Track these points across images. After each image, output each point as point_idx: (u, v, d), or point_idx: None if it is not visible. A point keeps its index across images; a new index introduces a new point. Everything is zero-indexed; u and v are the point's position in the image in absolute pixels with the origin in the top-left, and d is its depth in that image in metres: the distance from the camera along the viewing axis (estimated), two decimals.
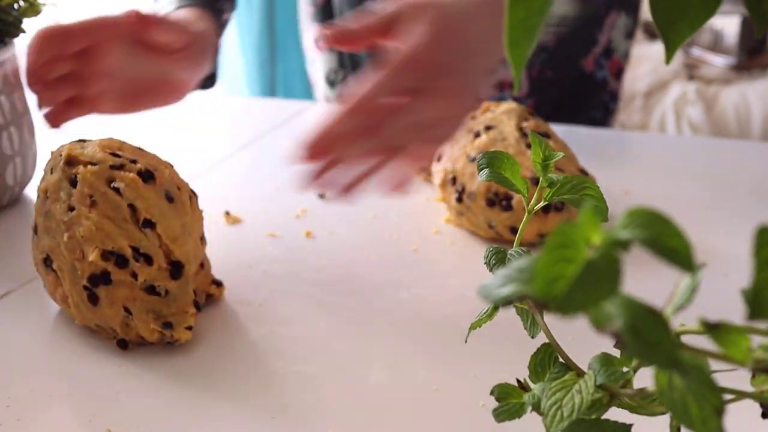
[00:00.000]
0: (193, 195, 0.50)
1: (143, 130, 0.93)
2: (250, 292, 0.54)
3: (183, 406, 0.42)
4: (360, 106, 0.51)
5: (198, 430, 0.40)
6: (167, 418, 0.41)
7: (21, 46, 0.67)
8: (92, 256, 0.44)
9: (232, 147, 0.85)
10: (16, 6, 0.64)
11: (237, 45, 1.91)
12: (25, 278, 0.56)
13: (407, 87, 0.53)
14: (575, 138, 0.86)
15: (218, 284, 0.53)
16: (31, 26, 0.65)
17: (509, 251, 0.36)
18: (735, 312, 0.25)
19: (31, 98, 0.71)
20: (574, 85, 0.99)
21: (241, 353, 0.47)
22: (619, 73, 1.02)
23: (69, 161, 0.47)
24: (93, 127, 0.93)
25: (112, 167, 0.46)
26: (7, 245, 0.62)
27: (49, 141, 0.81)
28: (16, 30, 0.64)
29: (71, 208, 0.46)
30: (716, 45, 2.19)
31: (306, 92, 2.07)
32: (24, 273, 0.56)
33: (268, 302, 0.53)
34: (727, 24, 2.16)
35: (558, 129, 0.89)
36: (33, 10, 0.64)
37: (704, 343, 0.25)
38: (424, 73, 0.53)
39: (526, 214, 0.36)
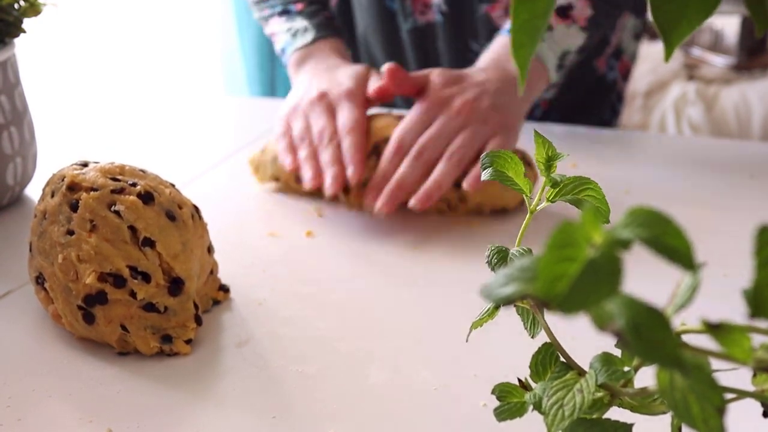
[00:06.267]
0: (196, 211, 0.51)
1: (144, 130, 0.93)
2: (250, 291, 0.54)
3: (183, 406, 0.42)
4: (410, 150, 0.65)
5: (198, 429, 0.40)
6: (168, 417, 0.41)
7: (21, 46, 0.67)
8: (89, 279, 0.44)
9: (232, 147, 0.85)
10: (16, 6, 0.64)
11: (237, 45, 1.90)
12: (24, 278, 0.56)
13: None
14: (576, 138, 0.86)
15: (225, 290, 0.53)
16: (31, 26, 0.65)
17: (511, 250, 0.36)
18: (735, 311, 0.26)
19: (31, 98, 0.71)
20: (588, 88, 0.99)
21: (241, 353, 0.47)
22: (626, 74, 1.02)
23: (71, 187, 0.47)
24: (95, 136, 0.93)
25: (112, 192, 0.47)
26: (7, 245, 0.62)
27: (49, 141, 0.81)
28: (16, 30, 0.64)
29: (70, 232, 0.46)
30: (716, 45, 2.19)
31: None
32: (24, 273, 0.56)
33: (268, 302, 0.53)
34: (727, 24, 2.16)
35: (559, 129, 0.90)
36: (33, 10, 0.64)
37: (705, 342, 0.25)
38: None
39: (528, 214, 0.36)
